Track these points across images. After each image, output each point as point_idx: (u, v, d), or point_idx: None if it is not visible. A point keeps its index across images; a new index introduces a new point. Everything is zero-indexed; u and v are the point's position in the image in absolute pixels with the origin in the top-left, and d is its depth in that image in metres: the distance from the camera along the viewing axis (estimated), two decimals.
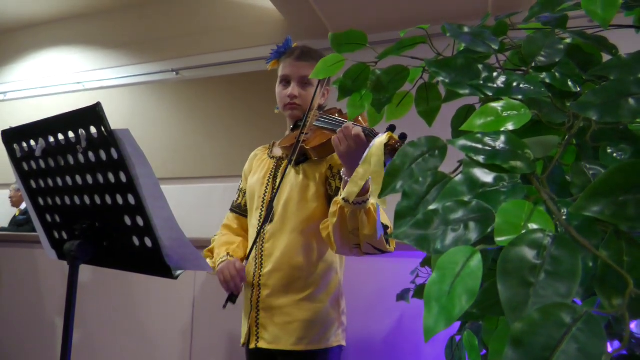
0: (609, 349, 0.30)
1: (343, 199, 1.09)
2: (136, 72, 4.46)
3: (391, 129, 0.98)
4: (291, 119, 1.39)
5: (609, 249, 0.35)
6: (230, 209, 1.49)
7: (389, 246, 1.15)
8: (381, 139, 0.93)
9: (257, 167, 1.44)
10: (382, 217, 1.15)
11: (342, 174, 1.17)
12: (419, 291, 0.99)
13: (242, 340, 1.32)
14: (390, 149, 0.94)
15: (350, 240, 1.13)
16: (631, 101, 0.42)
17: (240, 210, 1.46)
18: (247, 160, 1.53)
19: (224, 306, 1.19)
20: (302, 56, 1.34)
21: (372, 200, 0.91)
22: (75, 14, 4.88)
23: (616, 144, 0.46)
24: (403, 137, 0.98)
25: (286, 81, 1.36)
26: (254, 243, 1.29)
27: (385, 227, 1.14)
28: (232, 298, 1.20)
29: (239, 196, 1.49)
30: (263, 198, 1.34)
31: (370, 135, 1.06)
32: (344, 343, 1.31)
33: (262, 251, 1.29)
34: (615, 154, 0.45)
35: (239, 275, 1.20)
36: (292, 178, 1.31)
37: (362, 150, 0.98)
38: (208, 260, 1.35)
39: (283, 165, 1.36)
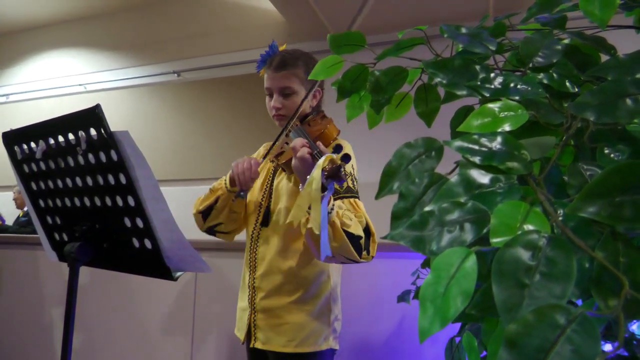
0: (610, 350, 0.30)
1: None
2: (137, 74, 4.47)
3: (336, 149, 0.95)
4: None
5: (605, 250, 0.35)
6: None
7: (367, 255, 1.12)
8: (319, 163, 0.92)
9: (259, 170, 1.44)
10: (354, 227, 1.10)
11: (299, 188, 1.16)
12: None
13: (241, 338, 1.33)
14: (328, 175, 0.92)
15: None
16: (629, 102, 0.42)
17: None
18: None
19: (233, 200, 1.23)
20: (279, 67, 1.32)
21: (309, 226, 0.89)
22: (76, 16, 4.90)
23: (614, 145, 0.46)
24: (345, 158, 0.95)
25: (269, 92, 1.36)
26: (250, 247, 1.32)
27: (358, 238, 1.10)
28: (239, 194, 1.20)
29: None
30: (260, 203, 1.35)
31: (317, 156, 1.04)
32: (336, 347, 1.31)
33: (256, 255, 1.32)
34: (612, 155, 0.45)
35: (250, 169, 1.20)
36: (285, 184, 1.33)
37: (309, 170, 0.97)
38: (206, 202, 1.34)
39: (277, 172, 1.38)
